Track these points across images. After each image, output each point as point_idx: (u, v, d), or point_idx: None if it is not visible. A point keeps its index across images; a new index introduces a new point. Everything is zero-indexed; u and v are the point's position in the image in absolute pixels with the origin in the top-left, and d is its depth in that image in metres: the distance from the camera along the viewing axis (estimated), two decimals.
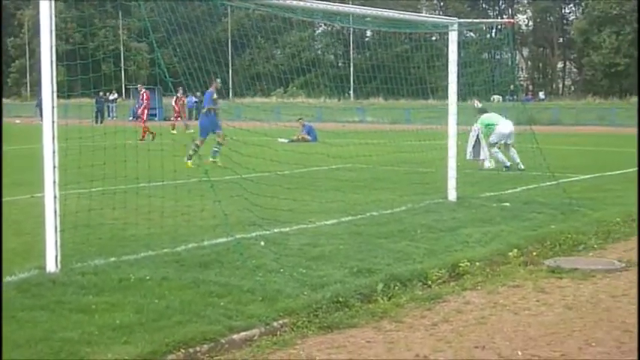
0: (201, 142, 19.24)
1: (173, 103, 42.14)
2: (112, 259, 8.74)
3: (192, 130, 30.82)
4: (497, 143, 20.76)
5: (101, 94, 47.45)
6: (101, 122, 47.77)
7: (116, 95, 68.10)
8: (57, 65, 8.16)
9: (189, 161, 18.49)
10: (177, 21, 10.56)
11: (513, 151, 20.48)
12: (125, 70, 79.51)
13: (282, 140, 24.62)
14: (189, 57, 9.82)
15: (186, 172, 11.25)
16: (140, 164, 10.93)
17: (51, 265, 8.07)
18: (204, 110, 20.42)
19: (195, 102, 54.86)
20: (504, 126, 20.95)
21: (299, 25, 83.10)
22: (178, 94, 40.75)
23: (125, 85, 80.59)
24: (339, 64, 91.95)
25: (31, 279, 7.80)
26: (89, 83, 11.44)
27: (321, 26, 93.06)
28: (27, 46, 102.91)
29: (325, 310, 7.25)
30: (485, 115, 21.35)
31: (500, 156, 20.55)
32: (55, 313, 6.73)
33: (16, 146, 29.22)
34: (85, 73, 9.72)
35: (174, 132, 36.78)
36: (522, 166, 19.81)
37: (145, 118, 33.96)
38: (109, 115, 62.50)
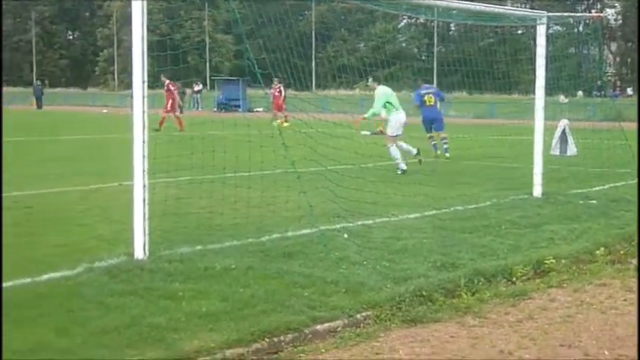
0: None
1: (271, 95, 42.27)
2: (198, 247, 8.87)
3: (279, 122, 31.06)
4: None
5: (179, 84, 47.94)
6: (181, 112, 48.25)
7: (201, 86, 68.88)
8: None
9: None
10: (265, 14, 10.65)
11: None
12: (210, 61, 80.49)
13: (365, 133, 24.62)
14: (277, 49, 9.90)
15: (273, 163, 11.32)
16: (227, 154, 11.04)
17: (139, 252, 8.23)
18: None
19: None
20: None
21: (383, 17, 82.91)
22: (274, 86, 40.98)
23: (210, 77, 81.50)
24: (423, 57, 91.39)
25: (120, 265, 7.97)
26: (174, 74, 11.62)
27: (404, 19, 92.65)
28: (115, 37, 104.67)
29: (408, 304, 7.24)
30: None
31: None
32: (144, 299, 6.86)
33: (104, 135, 29.82)
34: (171, 64, 9.87)
35: (276, 123, 37.01)
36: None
37: (169, 109, 33.92)
38: (194, 106, 63.25)
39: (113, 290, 7.11)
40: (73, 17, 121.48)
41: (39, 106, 65.73)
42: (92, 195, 13.32)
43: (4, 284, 7.26)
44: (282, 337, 6.26)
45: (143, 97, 8.17)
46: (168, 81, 33.92)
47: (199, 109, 62.24)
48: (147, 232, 8.28)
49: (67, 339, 5.85)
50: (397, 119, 18.01)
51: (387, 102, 17.99)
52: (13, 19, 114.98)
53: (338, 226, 10.16)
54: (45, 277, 7.63)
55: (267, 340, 6.16)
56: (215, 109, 58.93)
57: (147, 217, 8.27)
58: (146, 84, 8.19)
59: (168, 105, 33.77)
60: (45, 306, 6.67)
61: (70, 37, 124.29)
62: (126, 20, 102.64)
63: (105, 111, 60.95)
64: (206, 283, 7.42)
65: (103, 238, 9.57)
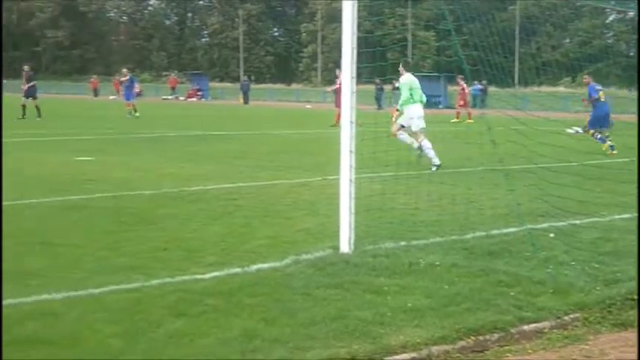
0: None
1: (458, 92, 42.08)
2: (402, 243, 8.89)
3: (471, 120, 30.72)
4: None
5: (378, 81, 48.23)
6: (379, 108, 48.59)
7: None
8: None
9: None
10: (470, 10, 10.55)
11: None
12: (411, 57, 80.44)
13: (570, 130, 23.98)
14: (481, 45, 9.78)
15: (479, 160, 11.20)
16: (434, 150, 11.02)
17: (344, 246, 8.34)
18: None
19: (480, 90, 54.55)
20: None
21: (590, 12, 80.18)
22: (460, 82, 40.70)
23: (412, 73, 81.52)
24: (631, 54, 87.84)
25: (326, 258, 8.10)
26: (376, 71, 11.70)
27: (613, 14, 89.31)
28: (319, 33, 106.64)
29: (619, 307, 6.97)
30: None
31: None
32: (349, 292, 6.95)
33: (307, 130, 30.43)
34: (373, 61, 9.94)
35: (456, 120, 36.80)
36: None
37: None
38: (393, 103, 63.53)
39: (319, 283, 7.24)
40: (278, 14, 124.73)
41: (245, 102, 67.96)
42: (298, 189, 13.64)
43: (220, 272, 7.58)
44: (487, 336, 6.18)
45: (352, 93, 8.28)
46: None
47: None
48: (352, 226, 8.38)
49: (275, 328, 6.01)
50: (411, 112, 17.10)
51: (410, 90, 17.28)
52: (222, 17, 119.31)
53: (544, 225, 9.92)
54: (254, 267, 7.87)
55: (473, 338, 6.09)
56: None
57: (353, 211, 8.37)
58: (355, 80, 8.29)
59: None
60: (254, 295, 6.88)
61: (276, 34, 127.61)
62: (330, 17, 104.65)
63: (308, 106, 62.26)
64: (411, 278, 7.42)
65: (309, 231, 9.77)
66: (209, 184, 13.99)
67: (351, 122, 8.32)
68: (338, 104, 34.27)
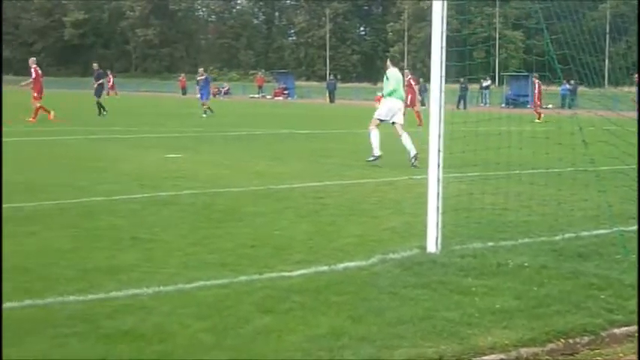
0: None
1: (535, 91, 41.47)
2: (490, 243, 8.80)
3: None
4: None
5: (462, 80, 48.06)
6: (464, 108, 48.29)
7: (489, 82, 68.44)
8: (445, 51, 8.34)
9: None
10: (560, 7, 10.39)
11: None
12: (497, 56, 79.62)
13: None
14: (569, 44, 9.62)
15: (570, 161, 11.01)
16: (523, 151, 10.88)
17: (431, 246, 8.30)
18: None
19: (569, 90, 53.72)
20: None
21: None
22: (535, 82, 40.19)
23: (498, 73, 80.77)
24: None
25: (413, 258, 8.08)
26: (462, 70, 11.60)
27: None
28: (405, 33, 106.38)
29: None
30: None
31: None
32: (437, 292, 6.91)
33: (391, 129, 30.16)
34: (459, 60, 9.86)
35: (539, 121, 36.33)
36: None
37: (408, 104, 33.83)
38: (482, 102, 63.01)
39: (406, 282, 7.22)
40: (365, 13, 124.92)
41: (331, 100, 68.18)
42: (384, 187, 13.62)
43: (307, 270, 7.62)
44: (577, 339, 6.07)
45: (440, 92, 8.23)
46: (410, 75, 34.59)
47: (487, 104, 61.88)
48: (440, 226, 8.33)
49: (362, 326, 6.01)
50: (388, 105, 18.01)
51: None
52: (309, 16, 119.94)
53: (636, 227, 9.68)
54: (341, 265, 7.89)
55: (563, 341, 5.99)
56: (503, 105, 58.39)
57: (440, 211, 8.33)
58: (444, 79, 8.24)
59: (408, 100, 34.05)
60: (341, 293, 6.90)
61: (362, 33, 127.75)
62: (417, 16, 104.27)
63: None
64: (499, 279, 7.34)
65: (396, 230, 9.75)
66: (296, 183, 14.08)
67: (440, 121, 8.27)
68: (407, 104, 34.36)
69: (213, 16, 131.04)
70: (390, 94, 18.04)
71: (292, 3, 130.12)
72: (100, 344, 5.51)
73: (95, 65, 40.09)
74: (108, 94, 65.30)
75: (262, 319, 6.12)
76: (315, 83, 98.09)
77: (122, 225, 9.94)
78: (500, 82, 76.64)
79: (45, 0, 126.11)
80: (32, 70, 32.33)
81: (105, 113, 36.15)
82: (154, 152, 19.57)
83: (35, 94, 31.76)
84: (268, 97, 79.30)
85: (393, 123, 18.11)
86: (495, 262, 7.91)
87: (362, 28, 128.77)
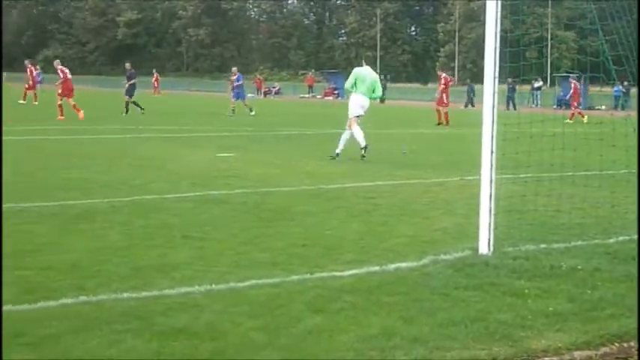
0: None
1: (571, 92, 41.02)
2: (543, 245, 8.71)
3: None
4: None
5: (510, 80, 47.65)
6: (514, 109, 47.87)
7: (541, 83, 67.83)
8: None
9: None
10: (614, 9, 10.26)
11: None
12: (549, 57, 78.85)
13: None
14: (627, 45, 9.50)
15: (626, 162, 10.87)
16: (577, 152, 10.76)
17: (483, 247, 8.25)
18: None
19: (623, 92, 53.06)
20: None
21: None
22: (572, 82, 39.80)
23: (550, 74, 80.00)
24: None
25: (464, 259, 8.03)
26: (514, 71, 11.51)
27: None
28: (456, 33, 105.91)
29: None
30: None
31: None
32: (489, 294, 6.86)
33: (444, 130, 30.23)
34: (511, 61, 9.80)
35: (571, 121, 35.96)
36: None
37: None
38: (533, 103, 62.48)
39: (458, 283, 7.18)
40: (415, 13, 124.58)
41: (382, 100, 67.99)
42: (435, 188, 13.56)
43: (358, 270, 7.62)
44: (631, 343, 5.99)
45: (494, 92, 8.17)
46: (444, 74, 35.52)
47: (538, 105, 61.33)
48: (492, 227, 8.27)
49: (414, 327, 5.98)
50: (355, 100, 19.10)
51: (355, 81, 18.92)
52: (359, 16, 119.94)
53: None
54: (392, 266, 7.88)
55: (617, 344, 5.91)
56: (555, 106, 57.80)
57: (493, 212, 8.27)
58: (497, 79, 8.18)
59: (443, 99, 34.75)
60: (392, 294, 6.88)
61: (413, 33, 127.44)
62: (468, 17, 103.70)
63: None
64: (552, 282, 7.27)
65: (447, 231, 9.71)
66: (346, 182, 14.09)
67: (493, 122, 8.21)
68: (440, 103, 34.52)
69: (264, 16, 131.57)
70: (353, 91, 19.17)
71: (343, 3, 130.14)
72: (154, 341, 5.56)
73: (128, 65, 40.44)
74: (157, 93, 66.51)
75: (314, 319, 6.13)
76: None
77: (174, 223, 10.02)
78: (552, 84, 75.86)
79: (99, 0, 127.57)
80: (59, 71, 32.79)
81: (142, 111, 36.20)
82: (205, 151, 19.70)
83: (60, 92, 32.27)
84: (318, 96, 79.39)
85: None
86: (548, 264, 7.84)
87: (412, 28, 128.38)
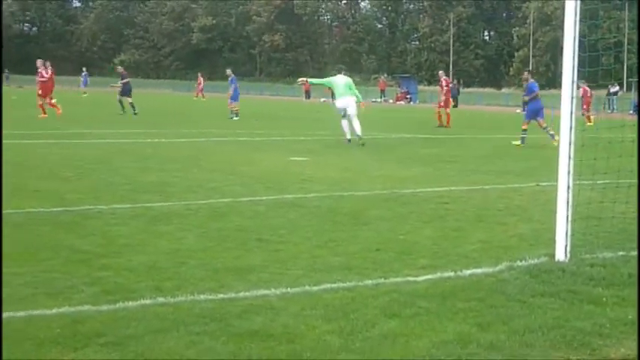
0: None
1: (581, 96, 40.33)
2: (621, 253, 8.56)
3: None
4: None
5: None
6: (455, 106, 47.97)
7: (617, 88, 66.69)
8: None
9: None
10: None
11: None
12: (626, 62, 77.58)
13: None
14: None
15: None
16: None
17: (560, 254, 8.14)
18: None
19: None
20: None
21: None
22: (583, 87, 39.14)
23: (627, 79, 78.61)
24: None
25: (541, 265, 7.94)
26: (590, 75, 11.38)
27: None
28: (531, 37, 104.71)
29: None
30: None
31: None
32: (566, 301, 6.78)
33: (514, 135, 29.85)
34: (587, 66, 9.67)
35: (590, 124, 35.43)
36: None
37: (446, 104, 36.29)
38: (609, 108, 61.46)
39: (534, 290, 7.11)
40: (489, 17, 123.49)
41: (454, 105, 67.61)
42: (510, 194, 13.43)
43: (432, 275, 7.60)
44: None
45: (572, 98, 8.08)
46: (444, 77, 37.29)
47: (614, 111, 60.29)
48: (569, 234, 8.17)
49: (490, 334, 5.93)
50: (338, 102, 24.93)
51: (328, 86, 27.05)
52: (432, 21, 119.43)
53: None
54: (467, 272, 7.84)
55: None
56: (631, 112, 56.79)
57: (570, 219, 8.17)
58: (575, 84, 8.08)
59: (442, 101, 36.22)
60: (467, 300, 6.85)
61: (486, 38, 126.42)
62: (543, 21, 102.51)
63: (518, 111, 61.13)
64: (630, 290, 7.14)
65: (523, 237, 9.62)
66: (420, 187, 14.04)
67: (571, 128, 8.11)
68: (441, 104, 35.21)
69: (337, 21, 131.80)
70: (339, 95, 24.92)
71: (416, 7, 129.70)
72: (231, 343, 5.62)
73: (120, 68, 42.51)
74: (196, 96, 66.68)
75: (388, 323, 6.13)
76: (437, 88, 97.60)
77: (249, 226, 10.11)
78: (629, 88, 74.53)
79: (175, 4, 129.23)
80: (44, 71, 34.67)
81: (131, 112, 37.53)
82: (278, 155, 19.82)
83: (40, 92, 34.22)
84: (390, 101, 79.23)
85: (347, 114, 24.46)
86: (626, 272, 7.70)
87: (485, 33, 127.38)
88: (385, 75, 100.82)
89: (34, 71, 36.65)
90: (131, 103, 38.00)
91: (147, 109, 40.60)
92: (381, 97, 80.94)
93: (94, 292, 6.86)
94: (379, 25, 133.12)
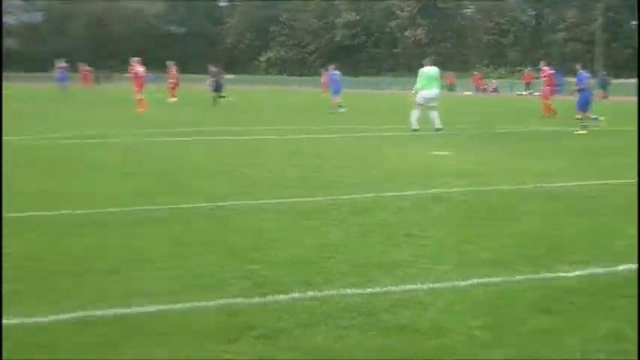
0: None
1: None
2: None
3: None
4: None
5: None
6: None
7: None
8: None
9: None
10: None
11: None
12: None
13: None
14: None
15: None
16: None
17: None
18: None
19: None
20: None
21: None
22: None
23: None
24: None
25: None
26: None
27: None
28: None
29: None
30: None
31: None
32: None
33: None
34: None
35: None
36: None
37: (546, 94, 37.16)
38: None
39: None
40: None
41: (605, 96, 65.71)
42: None
43: (583, 271, 7.43)
44: None
45: None
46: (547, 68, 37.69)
47: None
48: None
49: None
50: (422, 94, 25.88)
51: (425, 80, 26.13)
52: (579, 11, 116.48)
53: None
54: (620, 267, 7.64)
55: None
56: None
57: None
58: None
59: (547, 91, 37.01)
60: (620, 296, 6.68)
61: (634, 26, 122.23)
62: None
63: None
64: None
65: None
66: (567, 181, 13.72)
67: None
68: (544, 95, 34.46)
69: (480, 14, 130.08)
70: (422, 87, 25.90)
71: None
72: (380, 337, 5.66)
73: (211, 67, 44.42)
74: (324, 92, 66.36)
75: (539, 319, 6.06)
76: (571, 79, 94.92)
77: (393, 221, 10.11)
78: None
79: (321, 1, 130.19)
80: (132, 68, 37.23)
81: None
82: (419, 149, 19.68)
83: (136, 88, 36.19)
84: (536, 94, 77.61)
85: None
86: None
87: (633, 22, 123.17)
88: (529, 67, 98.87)
89: (185, 71, 38.37)
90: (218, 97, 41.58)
91: (290, 106, 41.13)
92: (526, 90, 79.36)
93: (246, 285, 7.01)
94: (524, 17, 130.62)
